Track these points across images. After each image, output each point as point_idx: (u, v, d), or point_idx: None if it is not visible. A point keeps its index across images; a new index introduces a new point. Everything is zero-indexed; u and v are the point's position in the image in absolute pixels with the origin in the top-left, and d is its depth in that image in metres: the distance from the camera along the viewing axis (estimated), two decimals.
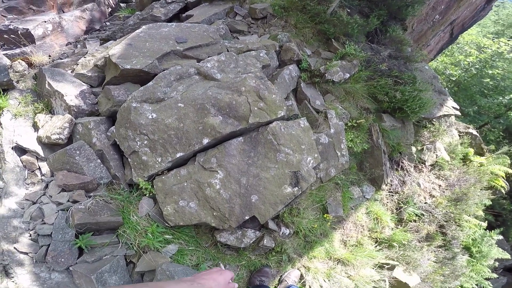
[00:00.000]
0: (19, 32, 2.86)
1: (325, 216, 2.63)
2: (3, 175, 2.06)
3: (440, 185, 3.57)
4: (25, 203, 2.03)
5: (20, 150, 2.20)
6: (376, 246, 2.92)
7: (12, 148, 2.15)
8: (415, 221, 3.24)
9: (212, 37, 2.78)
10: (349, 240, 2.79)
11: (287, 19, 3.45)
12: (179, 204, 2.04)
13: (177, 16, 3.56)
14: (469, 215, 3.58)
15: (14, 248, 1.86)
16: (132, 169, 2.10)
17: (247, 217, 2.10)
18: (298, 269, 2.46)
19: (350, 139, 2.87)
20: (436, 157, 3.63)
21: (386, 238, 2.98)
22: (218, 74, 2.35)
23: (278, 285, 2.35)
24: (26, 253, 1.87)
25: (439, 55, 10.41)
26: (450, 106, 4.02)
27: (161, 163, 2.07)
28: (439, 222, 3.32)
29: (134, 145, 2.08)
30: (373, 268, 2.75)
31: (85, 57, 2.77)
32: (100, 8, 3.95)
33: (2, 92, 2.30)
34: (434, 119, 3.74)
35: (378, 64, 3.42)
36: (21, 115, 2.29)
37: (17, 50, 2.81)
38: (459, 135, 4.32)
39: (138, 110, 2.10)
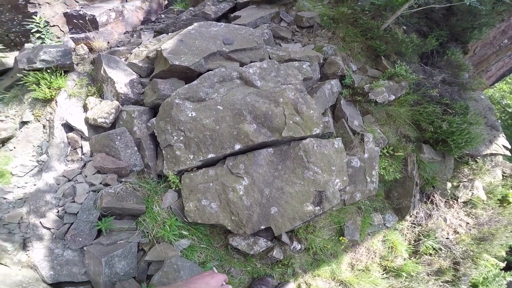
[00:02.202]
0: (86, 18, 3.12)
1: (340, 238, 2.58)
2: (49, 149, 2.25)
3: (468, 223, 3.39)
4: (61, 179, 2.17)
5: (68, 128, 2.39)
6: (383, 274, 2.85)
7: (61, 125, 2.35)
8: (430, 254, 3.14)
9: (256, 41, 2.80)
10: (357, 264, 2.74)
11: (335, 30, 3.36)
12: (201, 202, 2.11)
13: (225, 15, 3.63)
14: (490, 255, 3.42)
15: (40, 222, 1.98)
16: (164, 161, 2.21)
17: (263, 227, 2.12)
18: (299, 284, 2.45)
19: (383, 166, 2.75)
20: (472, 195, 3.41)
21: (395, 267, 2.91)
22: (258, 81, 2.37)
23: None
24: (48, 229, 1.98)
25: (499, 82, 9.48)
26: (501, 144, 3.67)
27: (192, 161, 2.15)
28: (455, 259, 3.20)
29: (170, 139, 2.18)
30: None
31: (138, 47, 2.95)
32: (158, 0, 4.16)
33: (63, 73, 2.53)
34: (478, 157, 3.46)
35: (429, 89, 3.22)
36: (75, 96, 2.51)
37: (82, 35, 3.07)
38: (503, 176, 3.96)
39: (180, 107, 2.19)
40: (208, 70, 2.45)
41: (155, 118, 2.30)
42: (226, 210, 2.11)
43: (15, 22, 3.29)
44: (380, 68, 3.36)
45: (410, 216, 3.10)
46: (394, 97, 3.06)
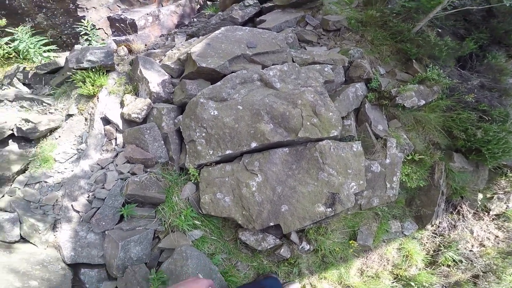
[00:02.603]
0: (127, 21, 3.44)
1: (350, 242, 2.54)
2: (88, 139, 2.52)
3: (497, 236, 3.15)
4: (95, 167, 2.40)
5: (105, 121, 2.66)
6: (393, 282, 2.74)
7: (100, 118, 2.63)
8: (449, 266, 2.94)
9: (279, 45, 2.86)
10: (367, 271, 2.67)
11: (363, 34, 3.30)
12: (216, 195, 2.23)
13: (251, 19, 3.75)
14: None
15: (71, 205, 2.17)
16: (187, 155, 2.37)
17: (271, 224, 2.17)
18: (304, 285, 2.45)
19: (406, 173, 2.64)
20: (506, 208, 3.16)
21: (407, 277, 2.77)
22: (278, 83, 2.44)
23: None
24: (78, 212, 2.15)
25: None
26: None
27: (211, 156, 2.28)
28: (476, 272, 2.97)
29: (193, 135, 2.33)
30: None
31: (172, 50, 3.18)
32: (191, 5, 4.42)
33: (105, 73, 2.83)
34: None
35: (464, 94, 3.03)
36: (114, 93, 2.79)
37: (123, 37, 3.38)
38: None
39: (204, 106, 2.34)
40: (232, 72, 2.58)
41: (181, 116, 2.47)
42: (238, 205, 2.21)
43: (67, 25, 3.70)
44: (410, 71, 3.24)
45: (432, 226, 2.95)
46: (424, 102, 2.93)
